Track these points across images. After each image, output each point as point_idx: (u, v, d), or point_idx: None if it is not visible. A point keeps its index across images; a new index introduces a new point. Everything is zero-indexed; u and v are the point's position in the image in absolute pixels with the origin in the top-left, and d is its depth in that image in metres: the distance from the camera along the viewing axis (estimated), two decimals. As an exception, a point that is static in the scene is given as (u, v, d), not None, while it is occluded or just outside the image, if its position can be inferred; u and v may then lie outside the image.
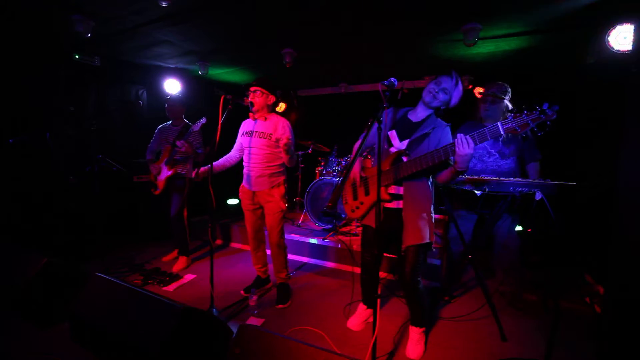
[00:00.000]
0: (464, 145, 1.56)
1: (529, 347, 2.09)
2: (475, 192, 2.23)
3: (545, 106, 1.40)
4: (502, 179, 2.14)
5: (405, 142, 1.87)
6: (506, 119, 1.52)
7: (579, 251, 2.92)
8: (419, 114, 1.94)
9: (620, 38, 2.36)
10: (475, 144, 1.57)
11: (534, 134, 2.55)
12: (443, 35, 2.99)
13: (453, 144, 1.61)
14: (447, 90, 1.83)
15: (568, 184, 1.96)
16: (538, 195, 1.99)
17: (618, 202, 1.76)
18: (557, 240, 2.70)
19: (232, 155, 2.67)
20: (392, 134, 1.93)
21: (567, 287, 2.83)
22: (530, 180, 2.05)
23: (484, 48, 3.23)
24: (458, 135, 1.59)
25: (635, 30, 2.16)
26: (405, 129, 1.91)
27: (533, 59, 3.49)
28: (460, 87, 1.84)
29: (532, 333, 2.24)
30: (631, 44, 2.26)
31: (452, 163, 1.71)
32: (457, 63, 3.74)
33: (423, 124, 1.88)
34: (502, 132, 1.50)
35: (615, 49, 2.39)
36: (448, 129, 1.86)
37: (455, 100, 1.85)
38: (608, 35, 2.40)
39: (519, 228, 3.03)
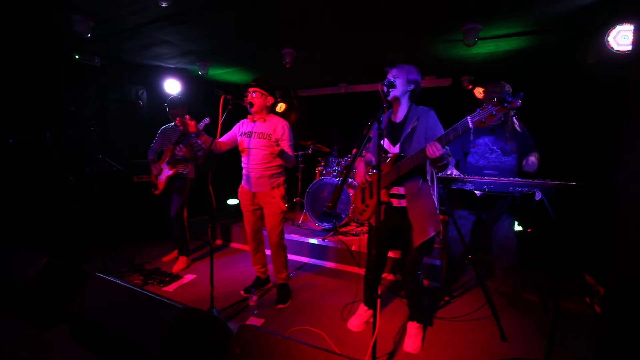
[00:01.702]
0: (432, 150, 1.65)
1: (529, 347, 2.09)
2: (475, 192, 2.23)
3: (504, 94, 1.47)
4: (502, 179, 2.14)
5: (397, 145, 1.94)
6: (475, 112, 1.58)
7: (579, 251, 2.92)
8: (398, 113, 2.00)
9: (620, 38, 2.36)
10: (443, 145, 1.64)
11: (527, 129, 2.58)
12: (443, 35, 2.99)
13: (424, 150, 1.69)
14: (395, 74, 1.90)
15: (568, 184, 1.96)
16: (538, 195, 1.99)
17: (618, 202, 1.76)
18: (557, 240, 2.70)
19: (224, 142, 2.60)
20: (385, 142, 2.02)
21: (567, 287, 2.83)
22: (530, 181, 2.05)
23: (484, 48, 3.23)
24: (429, 142, 1.67)
25: (635, 30, 2.16)
26: (393, 133, 1.99)
27: (533, 59, 3.49)
28: (398, 67, 1.91)
29: (532, 333, 2.24)
30: (631, 44, 2.26)
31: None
32: (457, 63, 3.75)
33: (406, 122, 1.94)
34: (470, 126, 1.55)
35: (615, 49, 2.39)
36: (432, 113, 1.91)
37: (412, 76, 1.90)
38: (608, 35, 2.40)
39: (518, 228, 3.03)
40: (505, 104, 1.44)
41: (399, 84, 1.90)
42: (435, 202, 1.91)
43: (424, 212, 1.89)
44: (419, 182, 1.90)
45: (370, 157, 2.16)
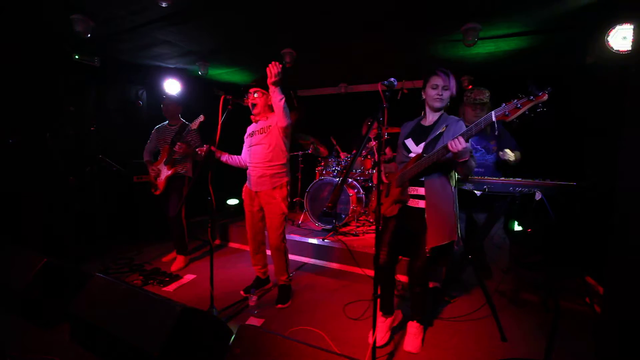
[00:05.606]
0: (455, 143, 1.64)
1: (529, 347, 2.09)
2: (475, 192, 2.23)
3: (531, 88, 1.40)
4: (502, 179, 2.15)
5: (421, 145, 1.94)
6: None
7: (579, 251, 2.92)
8: (429, 118, 2.03)
9: (620, 38, 2.36)
10: (466, 140, 1.64)
11: (509, 129, 2.65)
12: (443, 35, 2.99)
13: (446, 145, 1.69)
14: (448, 86, 1.92)
15: (568, 184, 1.96)
16: (538, 196, 1.99)
17: (618, 202, 1.76)
18: (557, 241, 2.70)
19: (243, 158, 2.68)
20: (409, 141, 2.02)
21: (567, 287, 2.83)
22: (531, 181, 2.05)
23: (484, 48, 3.23)
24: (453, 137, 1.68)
25: (635, 30, 2.16)
26: (419, 134, 2.01)
27: (533, 59, 3.49)
28: (452, 77, 1.92)
29: (532, 333, 2.24)
30: (631, 44, 2.26)
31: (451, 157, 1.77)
32: (456, 63, 3.74)
33: (436, 126, 1.95)
34: (493, 119, 1.53)
35: (615, 49, 2.38)
36: (461, 123, 1.91)
37: (454, 90, 1.94)
38: (608, 35, 2.40)
39: (519, 228, 3.03)
40: (531, 97, 1.38)
41: (446, 96, 1.91)
42: (455, 208, 1.89)
43: (442, 215, 1.86)
44: (440, 182, 1.88)
45: (391, 166, 2.16)
